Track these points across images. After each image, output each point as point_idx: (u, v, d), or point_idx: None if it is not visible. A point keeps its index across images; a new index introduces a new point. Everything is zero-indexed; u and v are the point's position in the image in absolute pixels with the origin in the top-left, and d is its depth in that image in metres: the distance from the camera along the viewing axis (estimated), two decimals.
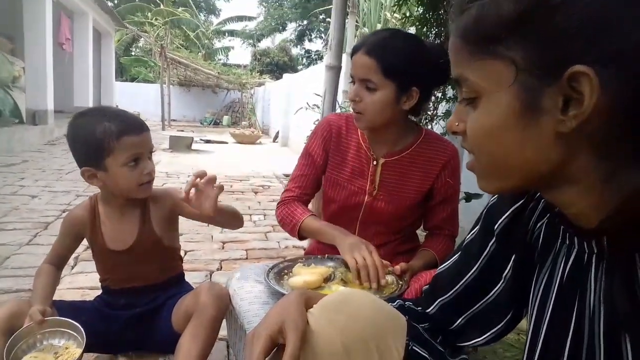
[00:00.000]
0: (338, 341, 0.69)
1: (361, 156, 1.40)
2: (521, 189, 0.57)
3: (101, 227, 1.36)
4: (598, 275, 0.55)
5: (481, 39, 0.51)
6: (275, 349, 0.70)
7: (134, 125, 1.27)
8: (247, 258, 2.73)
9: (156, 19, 17.71)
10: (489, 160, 0.56)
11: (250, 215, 3.82)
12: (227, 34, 25.72)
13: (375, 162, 1.38)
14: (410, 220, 1.44)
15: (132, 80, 21.62)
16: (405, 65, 1.24)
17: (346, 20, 2.56)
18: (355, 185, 1.40)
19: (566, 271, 0.60)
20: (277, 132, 11.78)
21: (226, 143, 10.75)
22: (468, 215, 1.52)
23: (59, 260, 1.40)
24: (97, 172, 1.27)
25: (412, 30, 3.04)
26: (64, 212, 3.51)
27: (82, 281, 2.19)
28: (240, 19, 24.94)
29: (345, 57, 2.49)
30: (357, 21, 5.56)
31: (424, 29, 2.82)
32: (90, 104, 11.94)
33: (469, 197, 2.31)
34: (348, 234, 1.32)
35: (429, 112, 2.91)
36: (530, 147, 0.51)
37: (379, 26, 7.21)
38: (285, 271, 1.26)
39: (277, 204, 1.48)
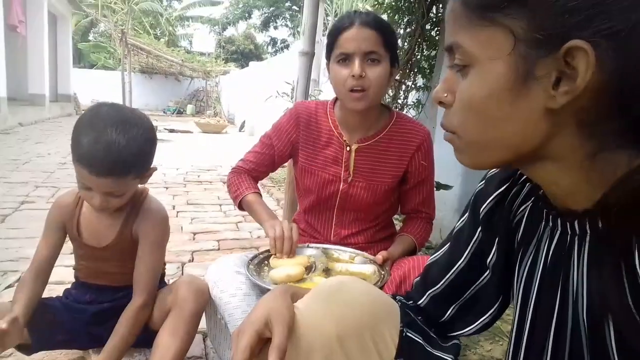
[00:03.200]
0: (332, 332, 0.68)
1: (334, 143, 1.38)
2: (501, 163, 0.57)
3: (80, 218, 1.28)
4: (581, 257, 0.55)
5: (482, 5, 0.51)
6: (262, 346, 0.67)
7: (93, 164, 1.09)
8: (219, 249, 2.68)
9: (115, 3, 17.05)
10: (473, 132, 0.55)
11: (220, 205, 3.76)
12: (191, 20, 25.07)
13: (348, 149, 1.36)
14: (386, 205, 1.43)
15: (91, 67, 20.84)
16: (394, 38, 1.29)
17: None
18: (330, 172, 1.38)
19: (550, 254, 0.60)
20: (244, 122, 11.64)
21: (191, 132, 10.54)
22: (438, 203, 1.54)
23: (40, 266, 1.26)
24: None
25: (384, 17, 3.04)
26: (22, 203, 3.35)
27: None
28: (203, 3, 24.34)
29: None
30: (325, 9, 5.53)
31: (396, 17, 2.83)
32: (46, 91, 11.44)
33: (438, 186, 2.34)
34: (275, 217, 1.33)
35: (399, 101, 2.93)
36: (517, 120, 0.51)
37: None
38: (266, 262, 1.24)
39: (231, 168, 1.50)
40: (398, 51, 2.70)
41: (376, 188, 1.37)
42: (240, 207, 1.43)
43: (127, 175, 1.15)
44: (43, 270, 1.26)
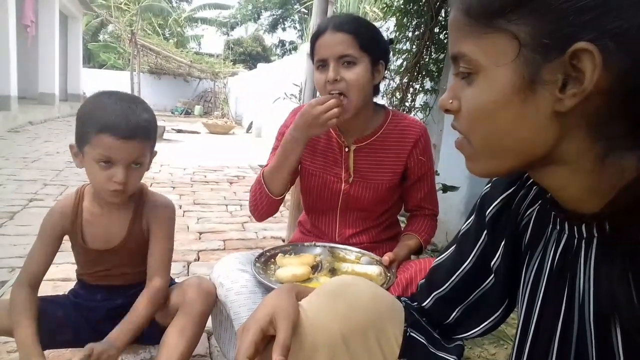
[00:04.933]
0: (337, 331, 0.68)
1: (332, 144, 1.39)
2: (513, 171, 0.57)
3: (82, 224, 1.27)
4: (588, 260, 0.55)
5: (485, 13, 0.51)
6: (267, 343, 0.68)
7: (119, 127, 1.12)
8: (224, 249, 2.69)
9: (126, 4, 17.18)
10: (482, 140, 0.55)
11: (226, 205, 3.77)
12: (199, 22, 25.21)
13: (347, 149, 1.37)
14: (389, 204, 1.43)
15: (101, 67, 21.00)
16: (374, 38, 1.28)
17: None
18: (330, 174, 1.39)
19: (557, 257, 0.60)
20: (251, 123, 11.66)
21: (198, 133, 10.58)
22: (443, 205, 1.54)
23: (34, 278, 1.24)
24: (79, 153, 1.20)
25: (392, 20, 3.05)
26: (30, 201, 3.38)
27: (53, 273, 2.11)
28: (213, 6, 24.47)
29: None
30: (334, 12, 5.54)
31: (404, 20, 2.83)
32: (56, 91, 11.53)
33: (445, 188, 2.34)
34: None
35: (407, 104, 2.93)
36: (526, 125, 0.51)
37: None
38: (272, 260, 1.24)
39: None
40: (407, 54, 2.67)
41: (377, 187, 1.37)
42: (269, 189, 1.34)
43: (148, 140, 1.21)
44: (39, 281, 1.25)
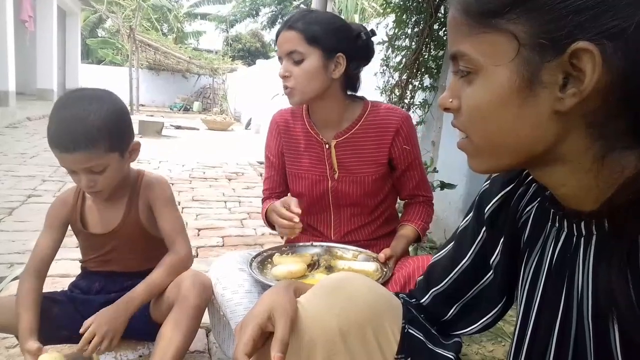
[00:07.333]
0: (335, 326, 0.68)
1: (312, 143, 1.39)
2: (513, 167, 0.58)
3: (82, 210, 1.32)
4: (586, 258, 0.55)
5: (483, 12, 0.51)
6: (265, 340, 0.68)
7: (60, 142, 1.13)
8: (223, 245, 2.69)
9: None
10: (483, 138, 0.55)
11: (225, 202, 3.77)
12: (198, 17, 25.12)
13: (327, 146, 1.37)
14: (380, 196, 1.42)
15: (99, 62, 20.93)
16: (325, 31, 1.27)
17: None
18: (316, 173, 1.39)
19: (555, 254, 0.60)
20: (250, 119, 11.65)
21: (197, 129, 10.56)
22: (442, 203, 1.54)
23: (41, 266, 1.28)
24: None
25: (391, 17, 3.04)
26: (29, 197, 3.37)
27: (52, 269, 2.08)
28: (212, 2, 24.38)
29: None
30: (332, 9, 5.53)
31: (404, 16, 2.82)
32: (55, 86, 11.51)
33: (442, 186, 2.34)
34: (280, 204, 1.32)
35: (406, 101, 2.93)
36: (526, 124, 0.51)
37: (356, 17, 7.15)
38: (269, 260, 1.24)
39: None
40: (406, 51, 2.65)
41: (363, 180, 1.37)
42: (270, 225, 1.41)
43: (95, 147, 1.14)
44: (44, 269, 1.29)
